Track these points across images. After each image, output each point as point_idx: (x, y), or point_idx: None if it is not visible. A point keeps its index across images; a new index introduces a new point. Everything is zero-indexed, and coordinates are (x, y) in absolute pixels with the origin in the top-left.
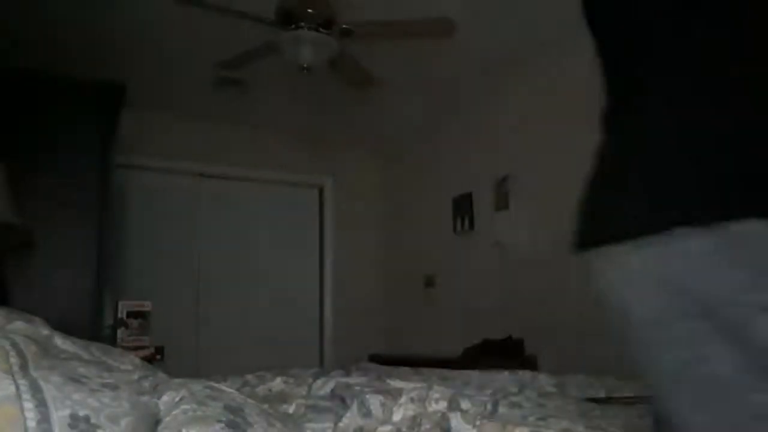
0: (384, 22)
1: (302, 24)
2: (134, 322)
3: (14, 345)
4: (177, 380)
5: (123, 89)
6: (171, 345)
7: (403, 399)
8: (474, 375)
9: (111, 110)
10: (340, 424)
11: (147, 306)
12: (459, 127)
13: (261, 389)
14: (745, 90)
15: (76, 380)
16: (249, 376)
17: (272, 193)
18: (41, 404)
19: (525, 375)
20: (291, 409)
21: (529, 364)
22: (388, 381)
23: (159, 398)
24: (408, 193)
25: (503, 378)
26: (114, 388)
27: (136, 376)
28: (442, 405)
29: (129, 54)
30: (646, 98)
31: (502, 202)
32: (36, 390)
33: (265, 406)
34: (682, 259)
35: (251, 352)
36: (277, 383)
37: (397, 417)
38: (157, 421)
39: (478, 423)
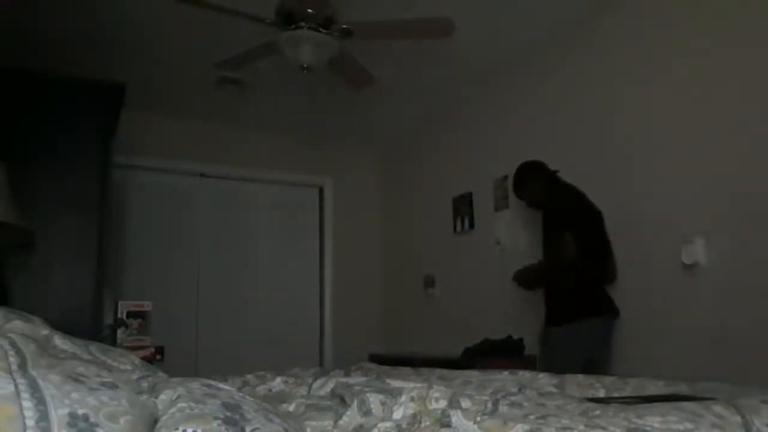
0: (384, 22)
1: (302, 24)
2: (134, 322)
3: (13, 344)
4: (175, 379)
5: (123, 89)
6: (171, 345)
7: (403, 398)
8: (474, 375)
9: (111, 110)
10: (340, 422)
11: (147, 306)
12: (459, 127)
13: (261, 389)
14: None
15: (74, 379)
16: (249, 376)
17: (272, 193)
18: (40, 403)
19: (525, 375)
20: (291, 408)
21: (529, 364)
22: (388, 381)
23: (156, 397)
24: (408, 193)
25: (503, 378)
26: (113, 386)
27: (135, 376)
28: (443, 404)
29: (129, 54)
30: None
31: (502, 202)
32: (35, 389)
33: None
34: None
35: (251, 352)
36: (277, 383)
37: (397, 415)
38: (155, 420)
39: (478, 419)
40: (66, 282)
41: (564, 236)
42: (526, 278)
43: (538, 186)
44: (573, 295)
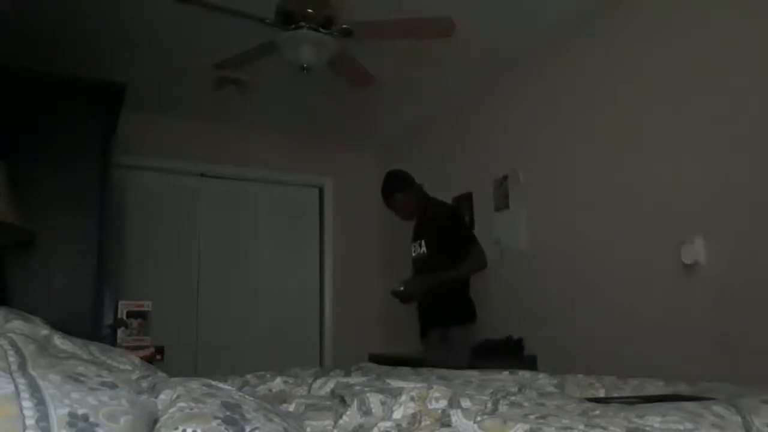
0: (384, 22)
1: (302, 24)
2: (134, 322)
3: (13, 344)
4: (175, 379)
5: (123, 89)
6: (171, 345)
7: (403, 398)
8: (474, 375)
9: (111, 110)
10: (340, 422)
11: (147, 306)
12: (459, 127)
13: (261, 389)
14: None
15: (74, 379)
16: (249, 376)
17: (272, 193)
18: (40, 403)
19: (525, 375)
20: (291, 408)
21: (529, 364)
22: (388, 381)
23: (156, 397)
24: None
25: (503, 378)
26: (112, 386)
27: (134, 376)
28: (443, 403)
29: (129, 54)
30: None
31: (502, 202)
32: (35, 389)
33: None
34: None
35: (251, 352)
36: (277, 383)
37: (397, 415)
38: (155, 420)
39: (478, 419)
40: (66, 282)
41: (445, 248)
42: (407, 295)
43: (408, 198)
44: (463, 299)
